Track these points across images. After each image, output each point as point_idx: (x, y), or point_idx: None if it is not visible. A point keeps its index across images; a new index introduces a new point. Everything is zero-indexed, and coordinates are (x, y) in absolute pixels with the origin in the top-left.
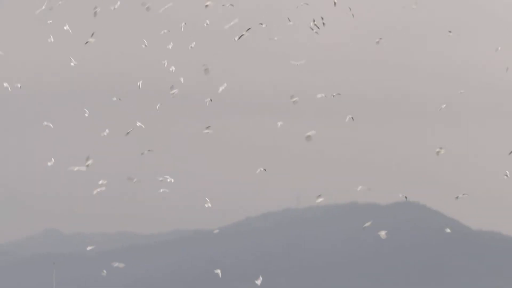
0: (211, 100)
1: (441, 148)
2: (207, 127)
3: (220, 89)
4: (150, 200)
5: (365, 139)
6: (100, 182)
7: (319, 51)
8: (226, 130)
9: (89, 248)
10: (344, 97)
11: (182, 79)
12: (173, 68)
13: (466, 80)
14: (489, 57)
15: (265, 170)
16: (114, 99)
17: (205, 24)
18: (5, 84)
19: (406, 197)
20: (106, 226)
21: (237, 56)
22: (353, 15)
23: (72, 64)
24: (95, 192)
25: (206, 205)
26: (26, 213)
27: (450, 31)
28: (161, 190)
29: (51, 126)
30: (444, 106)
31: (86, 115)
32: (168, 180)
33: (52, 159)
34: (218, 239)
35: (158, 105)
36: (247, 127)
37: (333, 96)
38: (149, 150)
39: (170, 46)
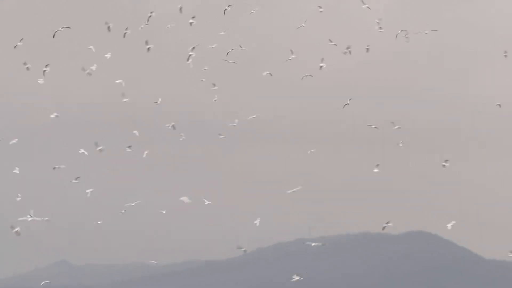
0: (235, 124)
1: (446, 161)
2: (129, 146)
3: (250, 117)
4: (161, 231)
5: (378, 169)
6: (46, 218)
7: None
8: (238, 160)
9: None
10: (354, 126)
11: (215, 97)
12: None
13: (483, 110)
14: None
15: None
16: (168, 125)
17: (241, 47)
18: (53, 116)
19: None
20: (117, 257)
21: (259, 84)
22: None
23: (117, 82)
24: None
25: (255, 222)
26: (36, 244)
27: (505, 52)
28: (164, 212)
29: (86, 153)
30: (401, 143)
31: (131, 148)
32: (182, 198)
33: (91, 189)
34: (230, 269)
35: (171, 124)
36: (258, 157)
37: (348, 103)
38: (77, 178)
39: (206, 67)
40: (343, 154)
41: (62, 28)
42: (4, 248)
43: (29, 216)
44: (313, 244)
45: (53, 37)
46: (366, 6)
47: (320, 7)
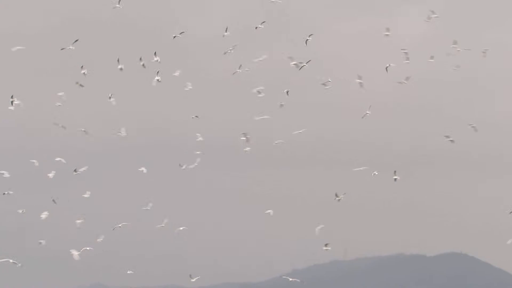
0: (279, 142)
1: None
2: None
3: (296, 132)
4: (197, 253)
5: (413, 190)
6: (19, 264)
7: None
8: (273, 183)
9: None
10: (393, 148)
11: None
12: (262, 116)
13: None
14: None
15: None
16: (243, 138)
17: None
18: (122, 132)
19: None
20: (153, 279)
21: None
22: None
23: (187, 88)
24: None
25: (317, 229)
26: (71, 267)
27: None
28: (181, 228)
29: (144, 171)
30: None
31: (183, 167)
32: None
33: (150, 203)
34: None
35: (199, 153)
36: (292, 179)
37: (368, 113)
38: (7, 192)
39: (260, 91)
40: (377, 175)
41: (72, 45)
42: (39, 270)
43: (10, 260)
44: (290, 279)
45: (61, 49)
46: (435, 15)
47: (387, 32)
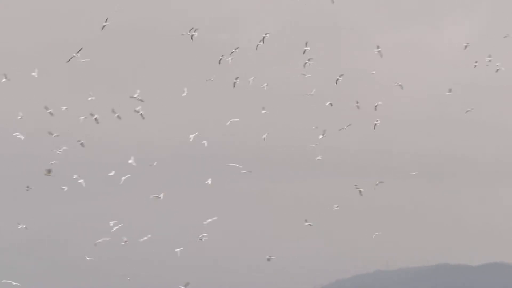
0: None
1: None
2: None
3: (344, 127)
4: (234, 263)
5: (456, 199)
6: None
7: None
8: (317, 191)
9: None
10: (433, 156)
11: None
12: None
13: None
14: None
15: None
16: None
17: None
18: (191, 137)
19: None
20: None
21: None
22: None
23: (258, 82)
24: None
25: (374, 235)
26: (105, 272)
27: None
28: (201, 238)
29: (210, 183)
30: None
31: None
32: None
33: (214, 217)
34: None
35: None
36: (337, 188)
37: (377, 122)
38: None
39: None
40: (422, 185)
41: (77, 53)
42: (73, 277)
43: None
44: None
45: (67, 61)
46: None
47: (467, 45)
